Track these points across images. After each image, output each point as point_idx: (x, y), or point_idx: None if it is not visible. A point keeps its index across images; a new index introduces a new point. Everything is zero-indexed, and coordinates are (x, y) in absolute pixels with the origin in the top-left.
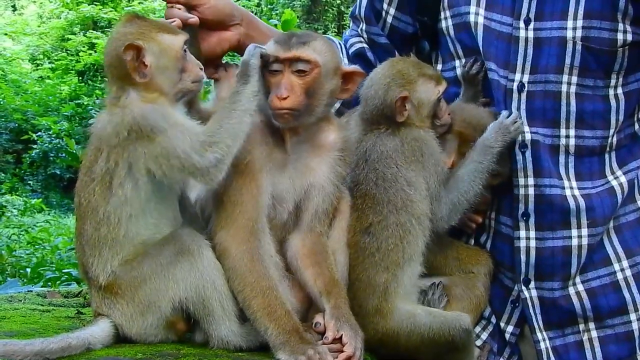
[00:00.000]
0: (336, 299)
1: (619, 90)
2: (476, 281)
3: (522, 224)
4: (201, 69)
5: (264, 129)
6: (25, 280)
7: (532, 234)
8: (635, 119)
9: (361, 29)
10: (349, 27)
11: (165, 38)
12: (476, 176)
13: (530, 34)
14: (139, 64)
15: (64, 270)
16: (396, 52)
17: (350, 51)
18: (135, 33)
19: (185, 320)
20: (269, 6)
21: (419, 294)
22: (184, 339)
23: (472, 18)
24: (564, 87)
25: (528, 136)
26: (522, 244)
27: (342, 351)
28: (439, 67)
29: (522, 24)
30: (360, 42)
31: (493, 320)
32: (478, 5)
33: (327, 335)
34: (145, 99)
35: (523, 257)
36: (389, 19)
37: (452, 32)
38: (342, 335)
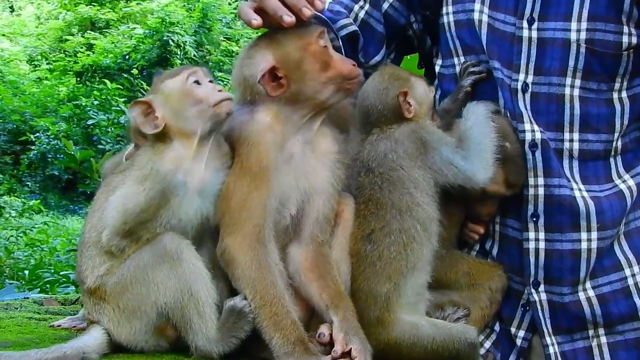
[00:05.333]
0: (344, 311)
1: (624, 94)
2: (482, 294)
3: (531, 225)
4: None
5: (276, 128)
6: (23, 282)
7: (542, 235)
8: None
9: (360, 7)
10: None
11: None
12: (480, 122)
13: (534, 34)
14: None
15: (62, 273)
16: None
17: (342, 33)
18: None
19: (174, 327)
20: None
21: (434, 309)
22: (179, 348)
23: (476, 16)
24: (567, 90)
25: (538, 135)
26: (532, 245)
27: None
28: (439, 62)
29: (525, 24)
30: (352, 24)
31: (497, 328)
32: (482, 3)
33: (336, 348)
34: None
35: (532, 259)
36: (385, 6)
37: (452, 28)
38: (350, 348)
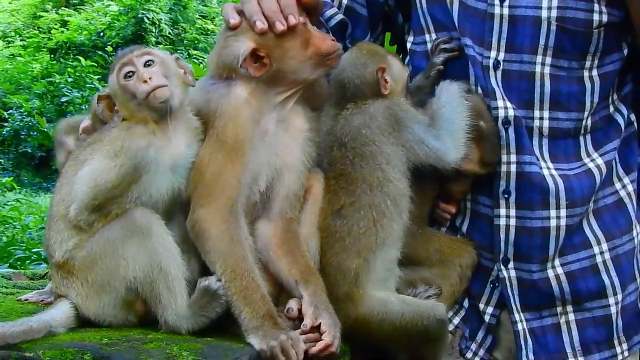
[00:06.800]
0: (314, 286)
1: (594, 72)
2: (452, 271)
3: (502, 202)
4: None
5: (253, 104)
6: None
7: (513, 212)
8: (610, 101)
9: None
10: None
11: None
12: (453, 100)
13: (505, 11)
14: None
15: (33, 250)
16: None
17: (331, 24)
18: None
19: (143, 301)
20: None
21: (405, 286)
22: (147, 322)
23: None
24: (538, 68)
25: (511, 112)
26: (502, 222)
27: (320, 340)
28: (410, 39)
29: (497, 1)
30: (338, 13)
31: (465, 304)
32: None
33: (306, 322)
34: None
35: (502, 236)
36: None
37: (424, 4)
38: (320, 323)
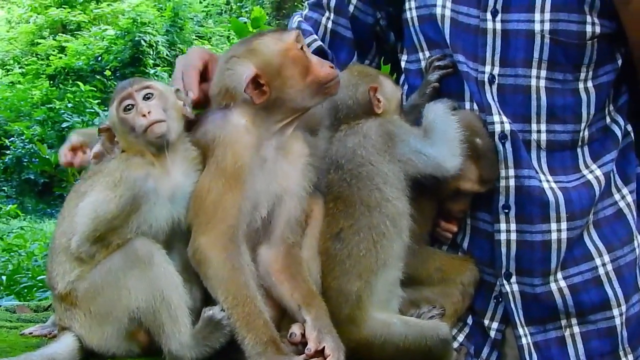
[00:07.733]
0: (317, 310)
1: (589, 84)
2: (454, 289)
3: (502, 217)
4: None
5: (252, 131)
6: (1, 288)
7: (513, 226)
8: (606, 112)
9: (327, 18)
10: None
11: None
12: (441, 116)
13: (498, 26)
14: None
15: (39, 278)
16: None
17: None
18: None
19: (146, 331)
20: (238, 4)
21: (408, 306)
22: (151, 352)
23: (438, 10)
24: (534, 81)
25: (507, 126)
26: (503, 237)
27: None
28: (404, 57)
29: (489, 16)
30: (316, 40)
31: (469, 321)
32: None
33: (309, 346)
34: None
35: (504, 250)
36: (351, 9)
37: (416, 23)
38: (324, 347)
